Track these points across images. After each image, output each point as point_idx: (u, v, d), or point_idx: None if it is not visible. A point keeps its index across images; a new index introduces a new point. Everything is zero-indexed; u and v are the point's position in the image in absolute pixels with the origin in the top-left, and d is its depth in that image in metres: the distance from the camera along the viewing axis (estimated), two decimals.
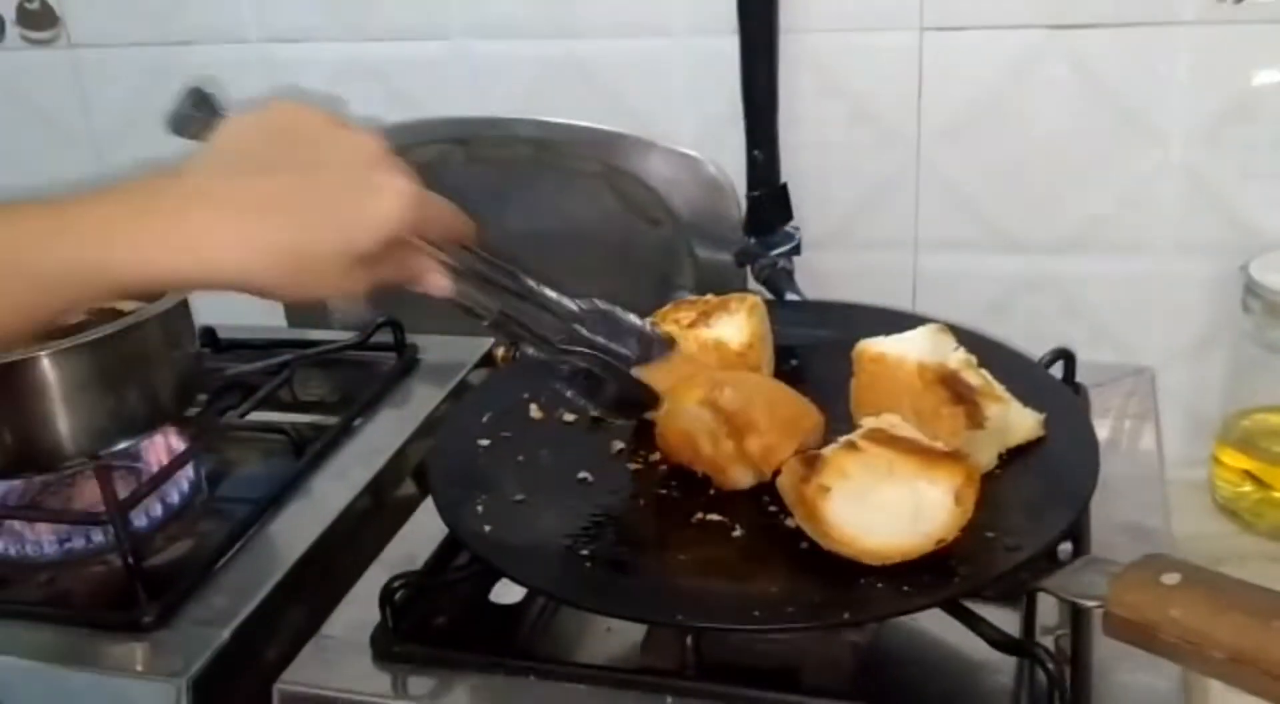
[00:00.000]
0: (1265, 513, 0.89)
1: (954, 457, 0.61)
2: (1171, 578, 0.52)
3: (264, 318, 1.12)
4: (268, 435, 0.88)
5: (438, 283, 0.60)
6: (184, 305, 0.82)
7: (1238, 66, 0.88)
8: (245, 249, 0.52)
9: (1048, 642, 0.62)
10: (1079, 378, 0.81)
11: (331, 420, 0.90)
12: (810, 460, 0.61)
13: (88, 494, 0.81)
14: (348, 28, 1.05)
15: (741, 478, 0.69)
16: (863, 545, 0.60)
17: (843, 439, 0.63)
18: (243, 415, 0.87)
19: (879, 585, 0.60)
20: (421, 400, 0.94)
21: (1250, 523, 0.90)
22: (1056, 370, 0.80)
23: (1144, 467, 0.78)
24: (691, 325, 0.77)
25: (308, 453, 0.85)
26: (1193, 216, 0.92)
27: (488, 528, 0.67)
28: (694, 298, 0.81)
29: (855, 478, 0.60)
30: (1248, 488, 0.90)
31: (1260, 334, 0.87)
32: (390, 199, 0.54)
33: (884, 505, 0.60)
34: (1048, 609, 0.71)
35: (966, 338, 0.80)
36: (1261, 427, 0.90)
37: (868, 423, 0.64)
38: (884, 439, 0.62)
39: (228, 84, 0.96)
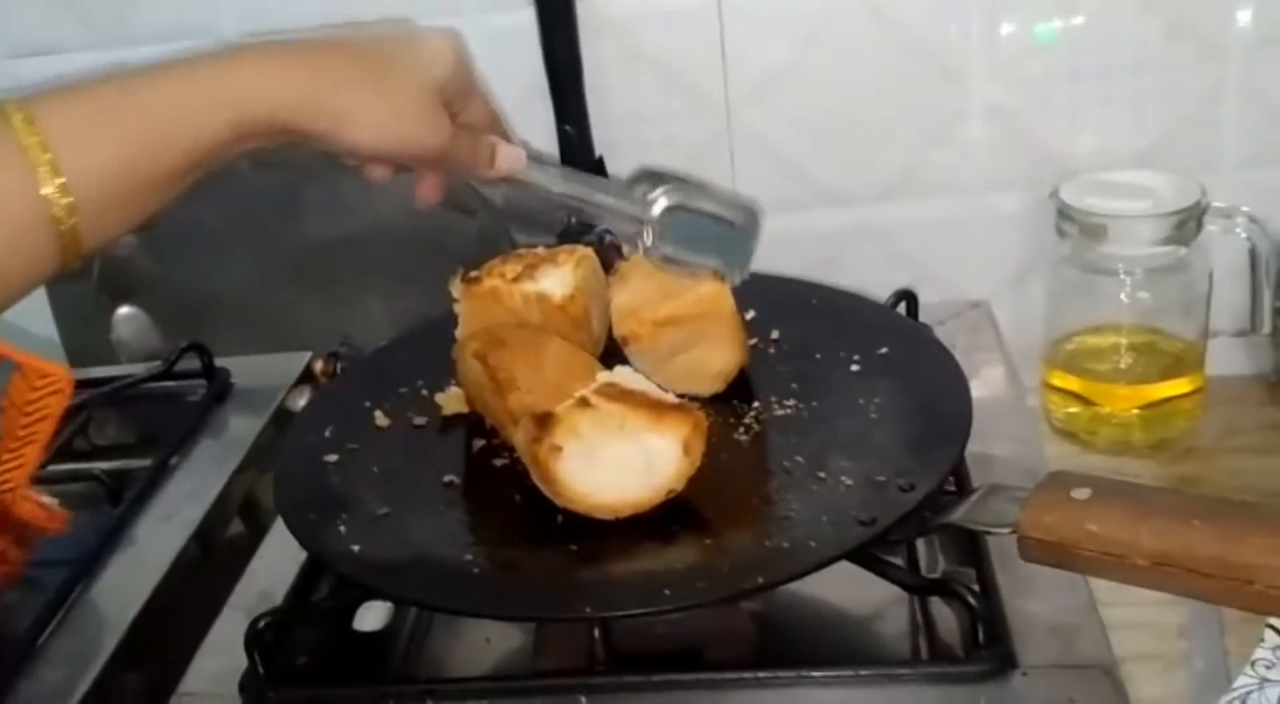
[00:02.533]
0: (1099, 430, 0.92)
1: (682, 408, 0.61)
2: (1082, 493, 0.51)
3: None
4: (75, 485, 0.79)
5: (511, 153, 0.63)
6: None
7: (1027, 2, 0.90)
8: (353, 75, 0.57)
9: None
10: (921, 318, 0.81)
11: (142, 463, 0.82)
12: (543, 420, 0.60)
13: None
14: (102, 35, 0.96)
15: (515, 437, 0.66)
16: (595, 501, 0.60)
17: (576, 395, 0.61)
18: (41, 468, 0.78)
19: (785, 544, 0.57)
20: (241, 429, 0.86)
21: (1088, 442, 0.92)
22: (900, 312, 0.80)
23: (1001, 397, 0.78)
24: (516, 279, 0.74)
25: (125, 498, 0.76)
26: (999, 152, 0.94)
27: (356, 548, 0.61)
28: (524, 250, 0.78)
29: (587, 435, 0.59)
30: (1076, 408, 0.93)
31: (1077, 256, 0.89)
32: (438, 34, 0.61)
33: (615, 461, 0.59)
34: (923, 553, 0.71)
35: (810, 290, 0.79)
36: (1084, 348, 0.93)
37: (601, 377, 0.63)
38: (616, 394, 0.61)
39: None
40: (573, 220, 0.96)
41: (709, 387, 0.72)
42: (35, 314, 1.03)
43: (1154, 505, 0.49)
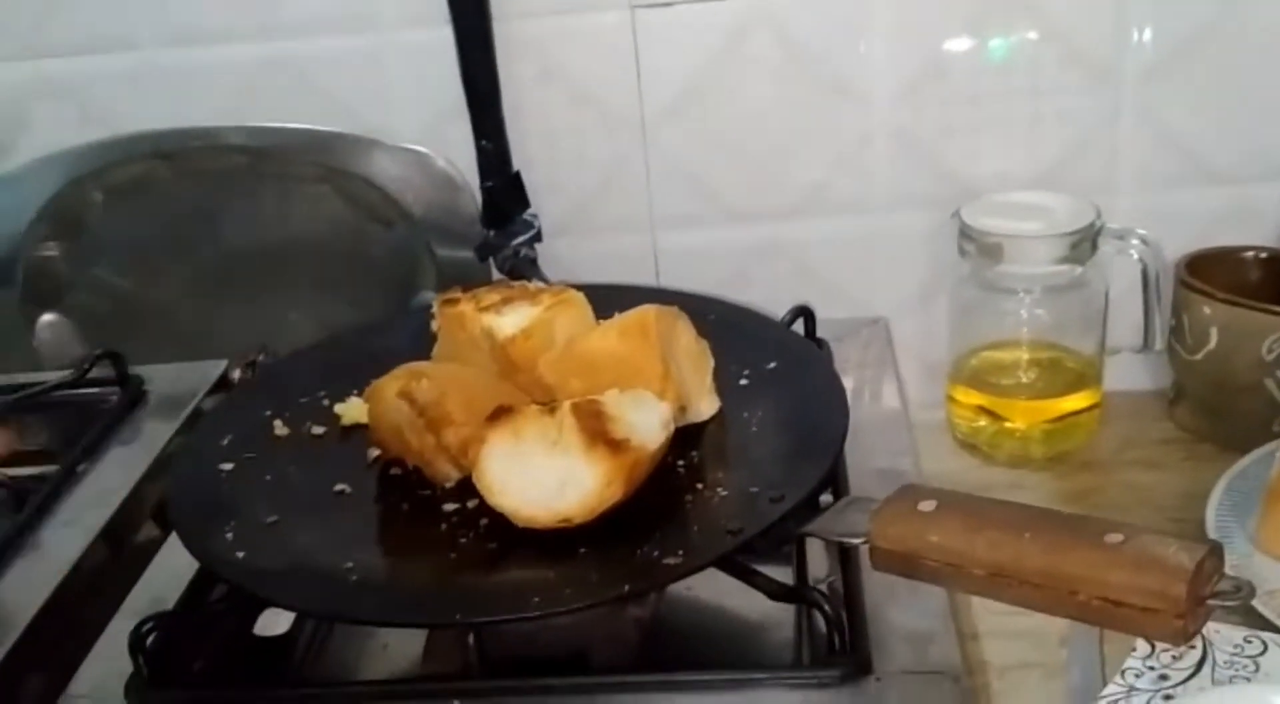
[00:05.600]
0: (1001, 443, 0.94)
1: (620, 447, 0.61)
2: (928, 505, 0.53)
3: None
4: None
5: None
6: None
7: (930, 27, 0.93)
8: None
9: (822, 588, 0.63)
10: (819, 333, 0.83)
11: (51, 469, 0.83)
12: (499, 411, 0.62)
13: None
14: (22, 45, 0.97)
15: (447, 471, 0.68)
16: (497, 500, 0.62)
17: (564, 401, 0.63)
18: None
19: (655, 553, 0.59)
20: (152, 435, 0.87)
21: (990, 455, 0.95)
22: (798, 328, 0.82)
23: (889, 412, 0.81)
24: (485, 308, 0.73)
25: (30, 504, 0.77)
26: (902, 173, 0.97)
27: (241, 554, 0.62)
28: (524, 283, 0.77)
29: (525, 439, 0.61)
30: (983, 422, 0.95)
31: (977, 275, 0.92)
32: None
33: (535, 471, 0.61)
34: (817, 563, 0.73)
35: (709, 306, 0.81)
36: (987, 363, 0.96)
37: (609, 393, 0.64)
38: (586, 410, 0.62)
39: None
40: (491, 234, 0.98)
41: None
42: None
43: (991, 518, 0.52)
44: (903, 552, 0.53)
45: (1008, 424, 0.94)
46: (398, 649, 0.70)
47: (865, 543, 0.55)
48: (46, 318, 1.04)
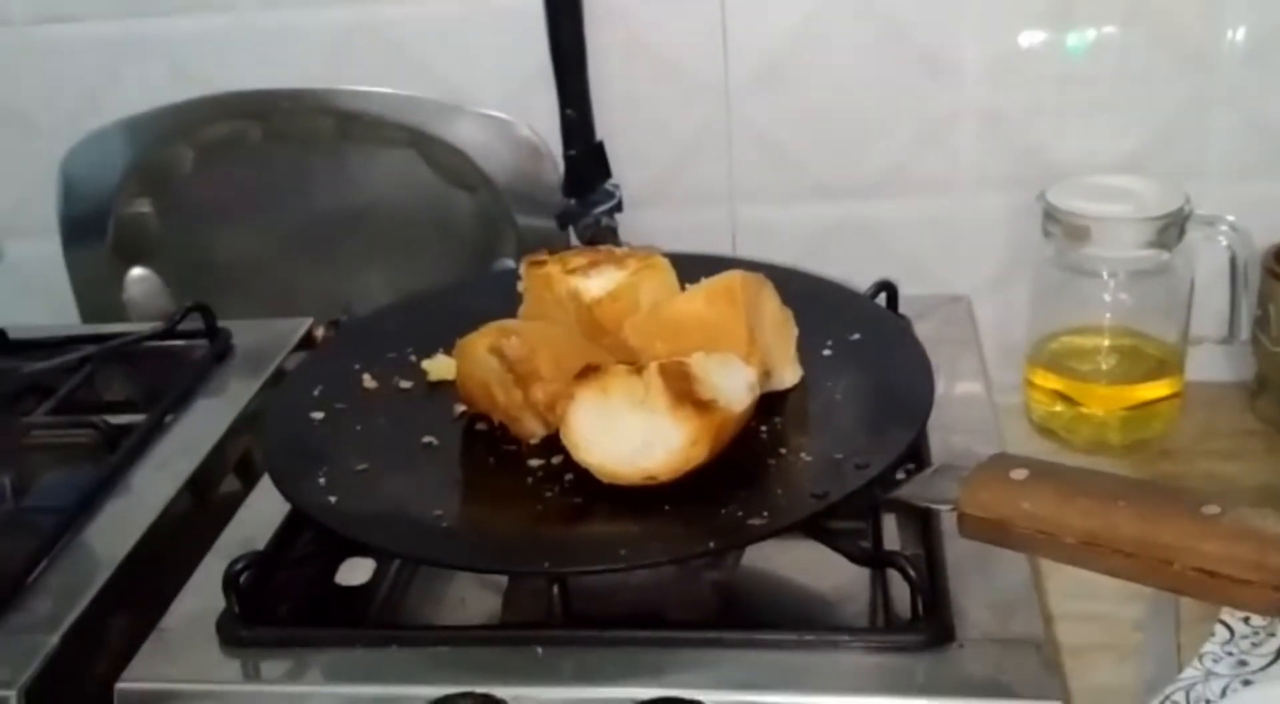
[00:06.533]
0: (1078, 429, 0.94)
1: (705, 406, 0.61)
2: (1020, 474, 0.53)
3: (54, 317, 1.05)
4: (75, 434, 0.82)
5: None
6: None
7: (1020, 6, 0.92)
8: None
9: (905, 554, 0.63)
10: (900, 310, 0.83)
11: (142, 416, 0.84)
12: (589, 370, 0.63)
13: None
14: (121, 4, 0.99)
15: (533, 427, 0.69)
16: (582, 456, 0.62)
17: (649, 362, 0.63)
18: (44, 415, 0.81)
19: (739, 513, 0.60)
20: (238, 389, 0.89)
21: (1066, 440, 0.94)
22: (880, 302, 0.82)
23: (970, 391, 0.80)
24: (572, 271, 0.73)
25: (122, 448, 0.79)
26: (989, 153, 0.96)
27: (333, 499, 0.64)
28: (610, 247, 0.77)
29: (611, 396, 0.62)
30: (1059, 407, 0.95)
31: (1061, 257, 0.91)
32: None
33: (621, 429, 0.61)
34: (890, 541, 0.73)
35: (795, 278, 0.81)
36: (1067, 348, 0.95)
37: (696, 356, 0.64)
38: (673, 371, 0.62)
39: None
40: (571, 202, 0.99)
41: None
42: (51, 274, 1.07)
43: (1084, 486, 0.52)
44: (993, 519, 0.53)
45: (1084, 410, 0.94)
46: (475, 604, 0.71)
47: (954, 509, 0.55)
48: (135, 272, 1.06)
